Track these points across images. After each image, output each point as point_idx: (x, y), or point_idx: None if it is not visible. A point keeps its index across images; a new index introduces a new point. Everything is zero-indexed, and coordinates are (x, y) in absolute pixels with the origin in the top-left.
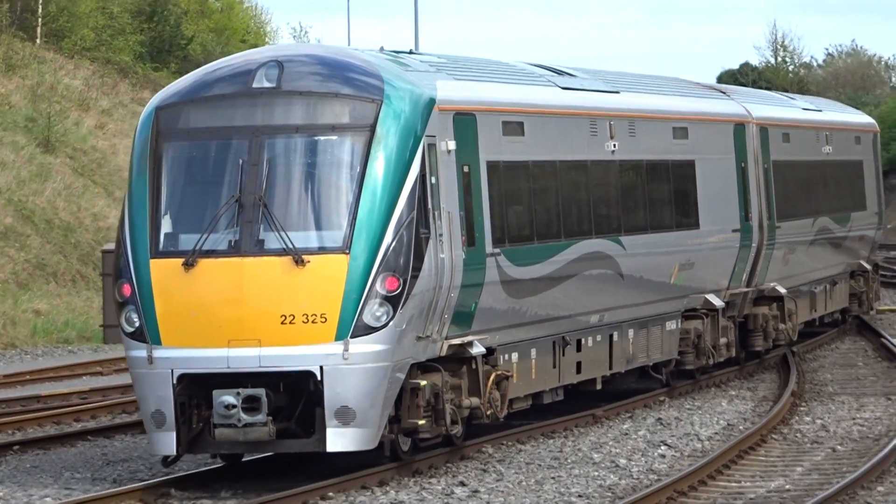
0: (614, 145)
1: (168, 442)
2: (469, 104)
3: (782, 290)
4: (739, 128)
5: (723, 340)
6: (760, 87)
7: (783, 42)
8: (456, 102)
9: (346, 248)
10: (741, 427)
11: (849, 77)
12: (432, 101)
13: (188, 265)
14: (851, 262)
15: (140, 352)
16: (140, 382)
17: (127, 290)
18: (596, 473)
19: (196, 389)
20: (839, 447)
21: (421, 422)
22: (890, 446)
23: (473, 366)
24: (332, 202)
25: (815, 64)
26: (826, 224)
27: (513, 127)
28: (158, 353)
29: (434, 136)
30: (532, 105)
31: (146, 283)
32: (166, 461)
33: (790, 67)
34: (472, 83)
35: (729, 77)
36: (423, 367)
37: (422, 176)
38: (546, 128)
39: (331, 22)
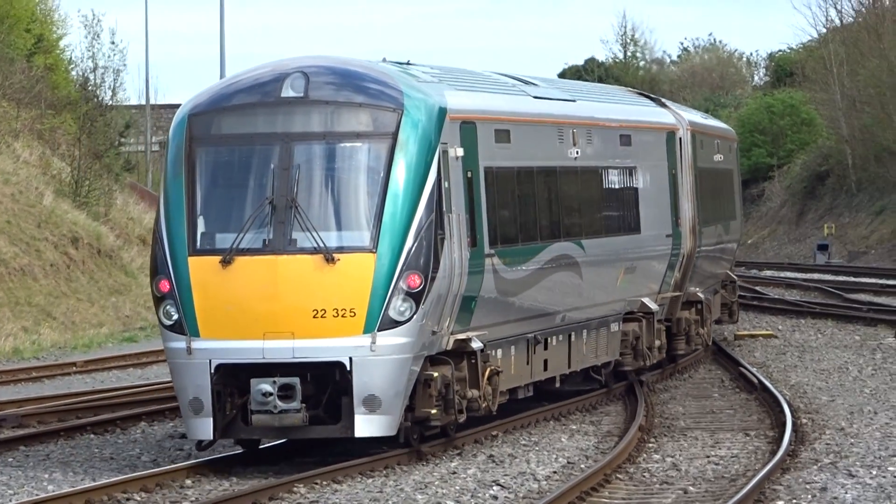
0: (577, 152)
1: (205, 427)
2: (471, 113)
3: (701, 296)
4: (671, 135)
5: (657, 343)
6: (610, 84)
7: (633, 35)
8: (461, 112)
9: (373, 247)
10: (583, 465)
11: (706, 75)
12: (444, 111)
13: (225, 262)
14: (725, 271)
15: (179, 343)
16: (179, 372)
17: (165, 285)
18: None
19: (230, 379)
20: (691, 488)
21: (433, 411)
22: (748, 487)
23: (472, 360)
24: (359, 204)
25: (668, 60)
26: (721, 231)
27: (502, 135)
28: (197, 344)
29: (446, 144)
30: (516, 114)
31: (185, 279)
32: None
33: (641, 63)
34: (471, 93)
35: (573, 73)
36: (431, 360)
37: (438, 181)
38: (526, 136)
39: (127, 10)
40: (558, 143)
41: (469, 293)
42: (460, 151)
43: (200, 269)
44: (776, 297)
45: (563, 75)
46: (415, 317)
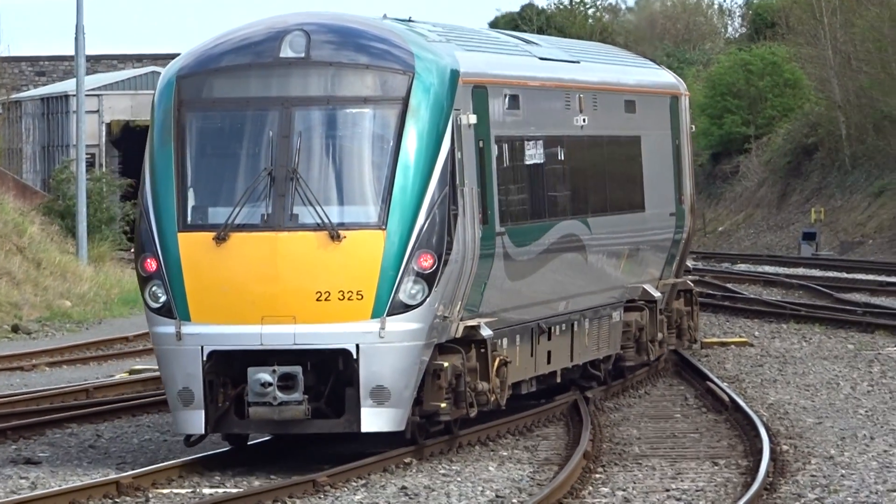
0: (584, 120)
1: (196, 421)
2: (482, 77)
3: (690, 284)
4: (675, 100)
5: (658, 336)
6: (553, 36)
7: None
8: (473, 75)
9: (382, 224)
10: (514, 500)
11: (669, 25)
12: (456, 74)
13: (220, 239)
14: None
15: (167, 328)
16: (167, 359)
17: (151, 264)
18: None
19: (223, 368)
20: None
21: (443, 405)
22: None
23: (482, 349)
24: (367, 177)
25: (623, 7)
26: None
27: (513, 100)
28: (187, 329)
29: (459, 110)
30: (525, 77)
31: (174, 258)
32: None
33: (590, 11)
34: (480, 54)
35: (507, 22)
36: (440, 349)
37: (451, 151)
38: (535, 102)
39: None
40: (565, 109)
41: (480, 275)
42: (473, 119)
43: (191, 246)
44: (752, 296)
45: (495, 25)
46: (427, 300)
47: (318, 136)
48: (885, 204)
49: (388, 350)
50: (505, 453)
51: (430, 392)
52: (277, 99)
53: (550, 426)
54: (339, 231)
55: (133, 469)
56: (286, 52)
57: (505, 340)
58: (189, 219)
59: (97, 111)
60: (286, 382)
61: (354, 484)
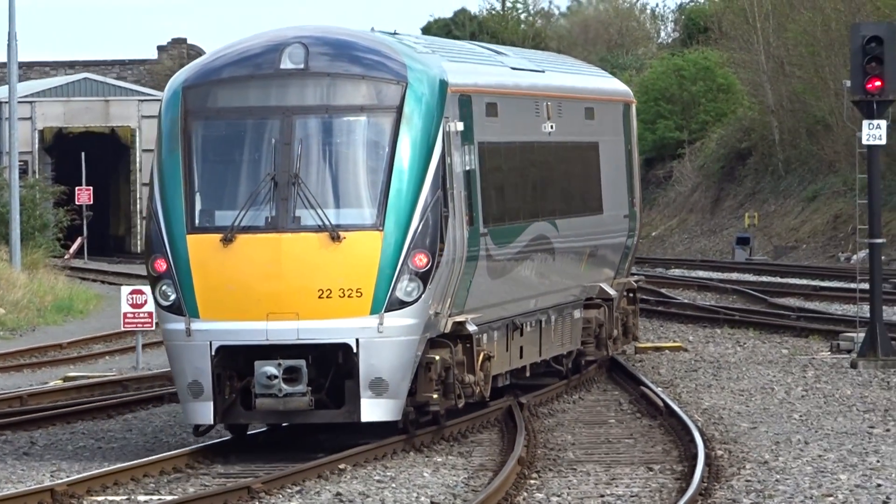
0: (551, 126)
1: (205, 412)
2: (466, 86)
3: (634, 284)
4: (626, 108)
5: (614, 332)
6: (484, 42)
7: None
8: (459, 85)
9: (379, 225)
10: None
11: (602, 30)
12: (445, 84)
13: (227, 241)
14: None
15: (178, 324)
16: (177, 354)
17: (161, 264)
18: None
19: (230, 362)
20: None
21: (434, 396)
22: None
23: (468, 344)
24: (364, 181)
25: (556, 12)
26: None
27: (491, 108)
28: (197, 325)
29: (448, 118)
30: (502, 86)
31: (183, 258)
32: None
33: (522, 16)
34: (463, 65)
35: (440, 28)
36: (430, 343)
37: (442, 157)
38: (510, 109)
39: None
40: (535, 117)
41: (467, 273)
42: (460, 126)
43: (200, 247)
44: (686, 301)
45: (427, 30)
46: (422, 297)
47: (317, 143)
48: (819, 209)
49: (386, 344)
50: (439, 459)
51: (423, 384)
52: (278, 108)
53: (485, 432)
54: (339, 232)
55: (68, 476)
56: (286, 63)
57: (486, 336)
58: (197, 221)
59: (30, 118)
60: (291, 375)
61: (289, 490)
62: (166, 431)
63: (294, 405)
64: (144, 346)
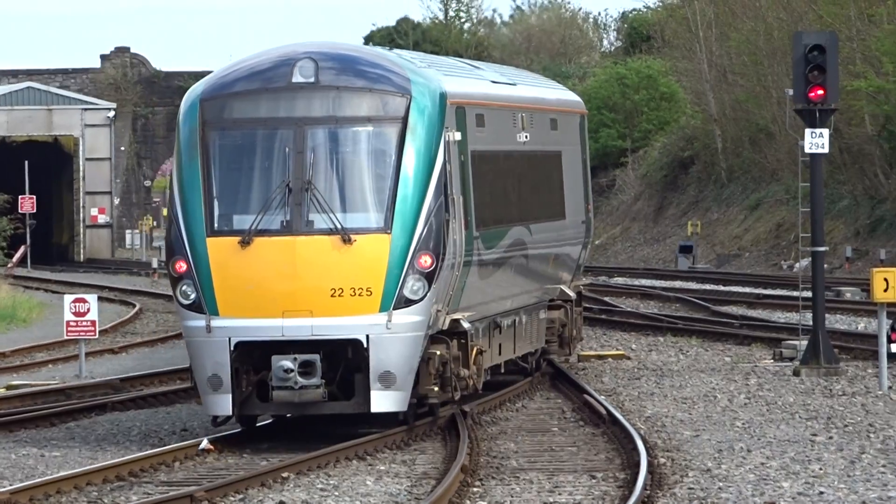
0: (526, 136)
1: (224, 403)
2: (462, 98)
3: (582, 287)
4: (582, 118)
5: (573, 332)
6: (426, 51)
7: None
8: (456, 97)
9: (387, 228)
10: None
11: (545, 39)
12: (445, 96)
13: (244, 243)
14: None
15: (198, 322)
16: (197, 350)
17: (182, 266)
18: None
19: (247, 357)
20: None
21: (434, 388)
22: None
23: (462, 339)
24: (373, 187)
25: (499, 20)
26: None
27: (480, 119)
28: (216, 322)
29: (448, 128)
30: (487, 98)
31: (203, 260)
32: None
33: (465, 25)
34: (457, 79)
35: (383, 37)
36: (430, 339)
37: (444, 165)
38: (494, 120)
39: None
40: (513, 127)
41: (463, 273)
42: (458, 135)
43: (219, 249)
44: (629, 309)
45: (370, 39)
46: (427, 296)
47: (328, 152)
48: (761, 217)
49: (394, 340)
50: (382, 468)
51: (424, 377)
52: (291, 119)
53: (428, 440)
54: (350, 235)
55: (10, 485)
56: (297, 77)
57: (477, 333)
58: (216, 225)
59: None
60: (306, 369)
61: (232, 498)
62: (109, 440)
63: (309, 397)
64: (87, 354)
